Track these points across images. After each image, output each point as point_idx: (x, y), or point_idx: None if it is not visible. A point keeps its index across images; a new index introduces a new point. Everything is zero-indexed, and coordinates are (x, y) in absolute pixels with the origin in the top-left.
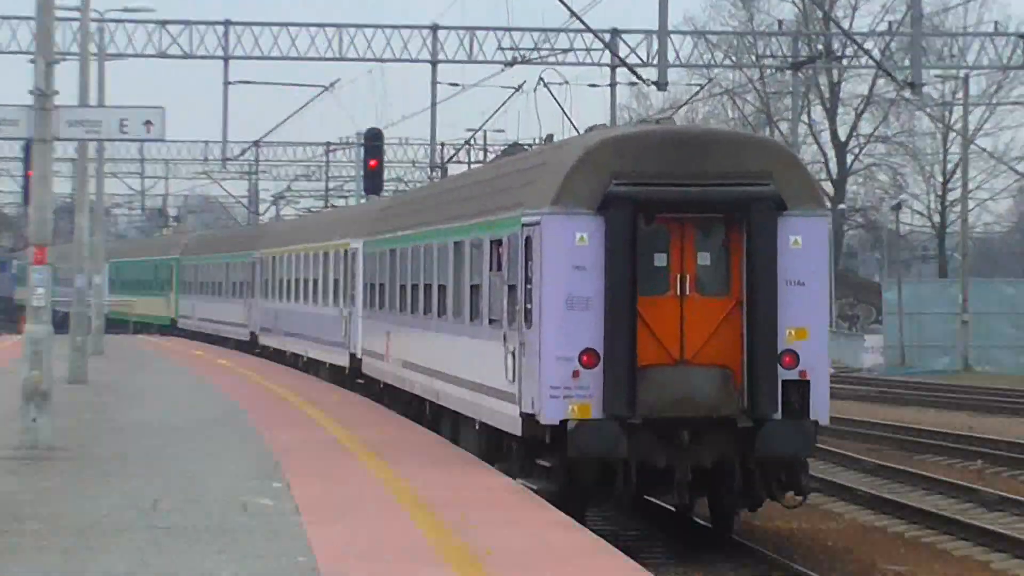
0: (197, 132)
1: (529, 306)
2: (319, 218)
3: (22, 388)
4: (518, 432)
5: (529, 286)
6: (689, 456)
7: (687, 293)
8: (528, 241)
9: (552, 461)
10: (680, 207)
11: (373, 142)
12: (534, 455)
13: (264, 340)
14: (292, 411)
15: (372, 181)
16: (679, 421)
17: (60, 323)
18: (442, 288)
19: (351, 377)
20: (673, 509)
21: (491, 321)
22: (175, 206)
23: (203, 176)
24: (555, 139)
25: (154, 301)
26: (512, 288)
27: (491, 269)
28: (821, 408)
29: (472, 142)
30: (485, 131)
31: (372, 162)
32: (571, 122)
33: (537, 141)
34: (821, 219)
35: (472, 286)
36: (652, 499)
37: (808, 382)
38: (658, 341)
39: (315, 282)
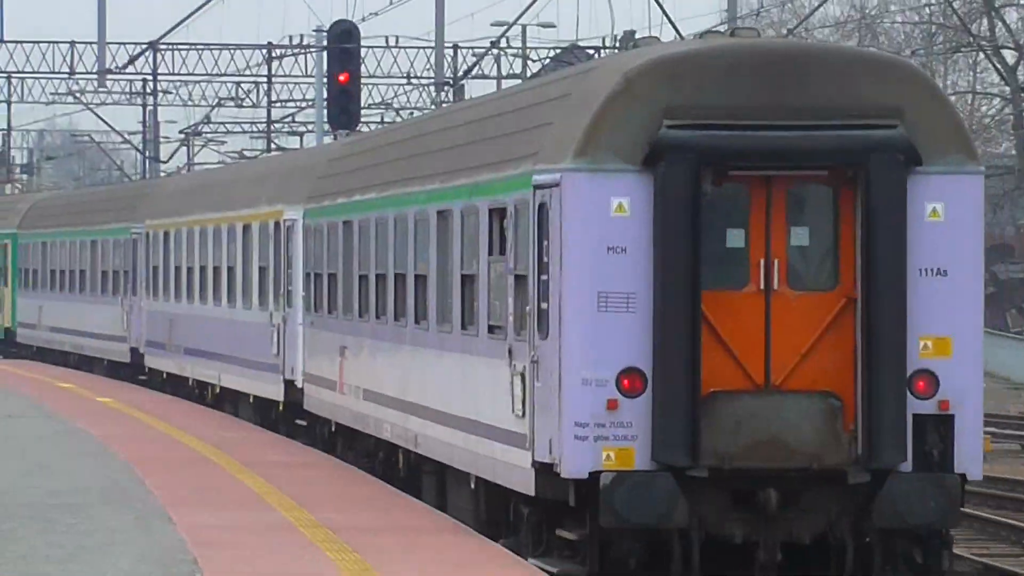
0: (59, 29)
1: (545, 306)
2: (239, 172)
3: None
4: (530, 490)
5: (545, 277)
6: (778, 526)
7: (775, 287)
8: (543, 210)
9: (579, 532)
10: (764, 159)
11: (343, 44)
12: (553, 523)
13: (154, 361)
14: (214, 474)
15: (342, 108)
16: (763, 474)
17: None
18: (421, 281)
19: (288, 415)
20: None
21: (491, 329)
22: (23, 147)
23: (69, 99)
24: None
25: None
26: (520, 280)
27: (491, 252)
28: (970, 456)
29: (503, 44)
30: (524, 27)
31: (342, 76)
32: (663, 11)
33: (608, 46)
34: (972, 178)
35: (464, 277)
36: None
37: (951, 417)
38: (732, 357)
39: (231, 272)
